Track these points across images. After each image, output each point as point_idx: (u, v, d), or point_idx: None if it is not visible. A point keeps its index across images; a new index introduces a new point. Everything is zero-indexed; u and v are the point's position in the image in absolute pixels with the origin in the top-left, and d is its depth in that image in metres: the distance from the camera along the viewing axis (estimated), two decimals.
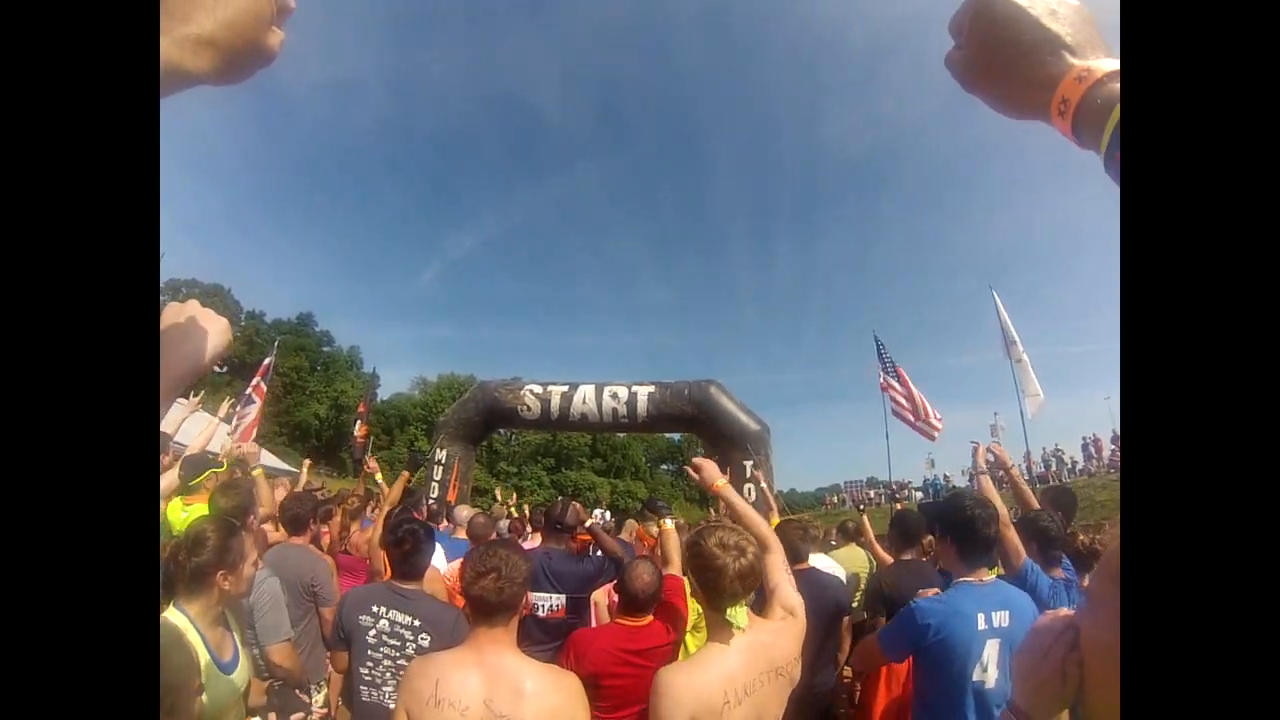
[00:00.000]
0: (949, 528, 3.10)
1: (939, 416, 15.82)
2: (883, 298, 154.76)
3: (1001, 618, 2.84)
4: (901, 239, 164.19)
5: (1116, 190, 0.81)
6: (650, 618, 3.39)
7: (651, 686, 2.16)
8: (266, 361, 17.97)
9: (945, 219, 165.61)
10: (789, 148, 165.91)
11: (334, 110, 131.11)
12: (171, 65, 0.78)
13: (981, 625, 2.80)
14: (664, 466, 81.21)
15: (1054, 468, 31.72)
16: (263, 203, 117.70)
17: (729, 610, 2.21)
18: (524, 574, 2.35)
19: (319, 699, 4.29)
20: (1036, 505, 4.56)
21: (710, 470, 2.92)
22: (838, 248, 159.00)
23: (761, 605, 2.51)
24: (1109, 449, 30.16)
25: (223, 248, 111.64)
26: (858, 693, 4.50)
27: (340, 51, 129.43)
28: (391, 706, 3.12)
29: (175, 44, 0.78)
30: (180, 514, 4.67)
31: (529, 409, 10.77)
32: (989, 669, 2.79)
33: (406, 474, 4.96)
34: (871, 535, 6.23)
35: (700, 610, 4.14)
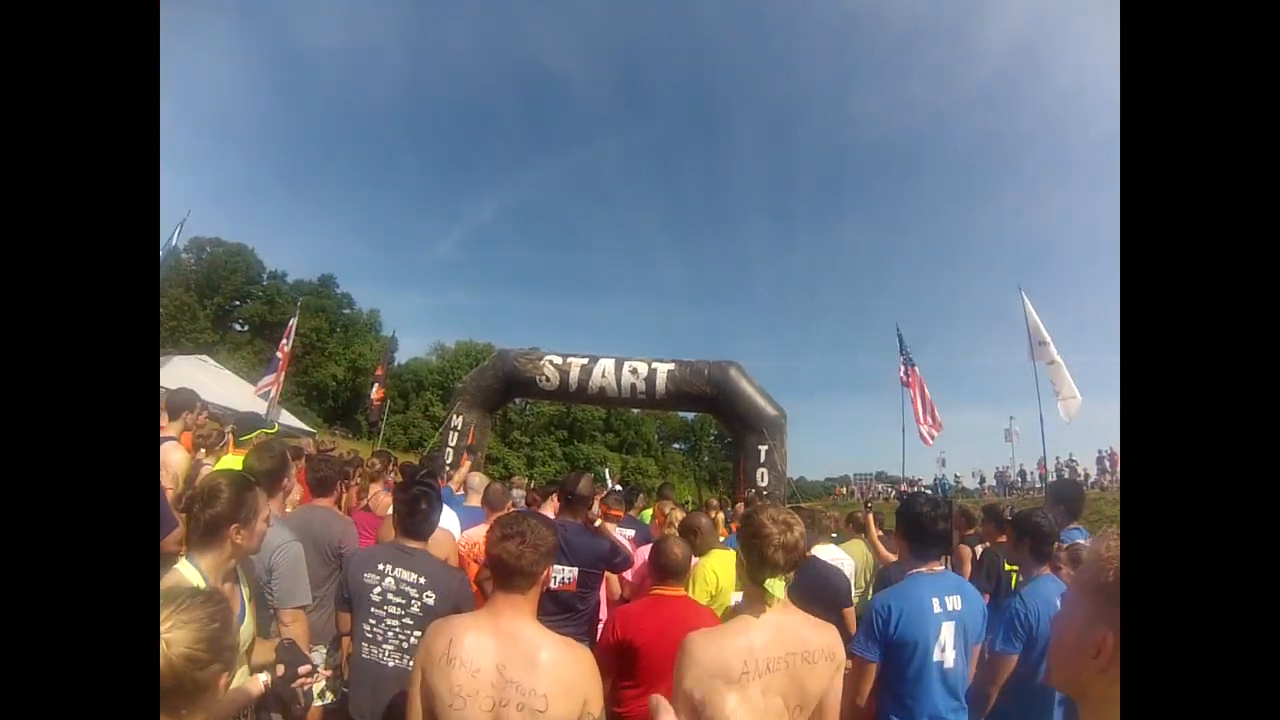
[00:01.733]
0: (901, 524, 3.36)
1: (940, 423, 15.83)
2: (903, 289, 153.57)
3: (954, 601, 3.08)
4: (926, 229, 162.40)
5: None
6: (683, 589, 3.52)
7: (679, 648, 2.26)
8: (291, 323, 18.04)
9: (972, 212, 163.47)
10: (815, 127, 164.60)
11: (354, 77, 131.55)
12: None
13: (936, 609, 3.03)
14: (675, 445, 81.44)
15: (1066, 477, 31.48)
16: (285, 167, 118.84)
17: (768, 581, 2.27)
18: (549, 545, 2.34)
19: (330, 660, 4.32)
20: None
21: None
22: (860, 234, 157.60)
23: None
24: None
25: (246, 209, 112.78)
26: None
27: (360, 17, 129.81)
28: (390, 665, 3.20)
29: None
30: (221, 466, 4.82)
31: (548, 379, 10.78)
32: (947, 649, 3.02)
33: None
34: (874, 533, 6.22)
35: (714, 591, 4.18)
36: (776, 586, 2.29)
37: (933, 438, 15.88)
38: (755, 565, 2.32)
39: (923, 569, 3.21)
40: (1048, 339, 15.62)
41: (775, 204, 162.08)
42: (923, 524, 3.22)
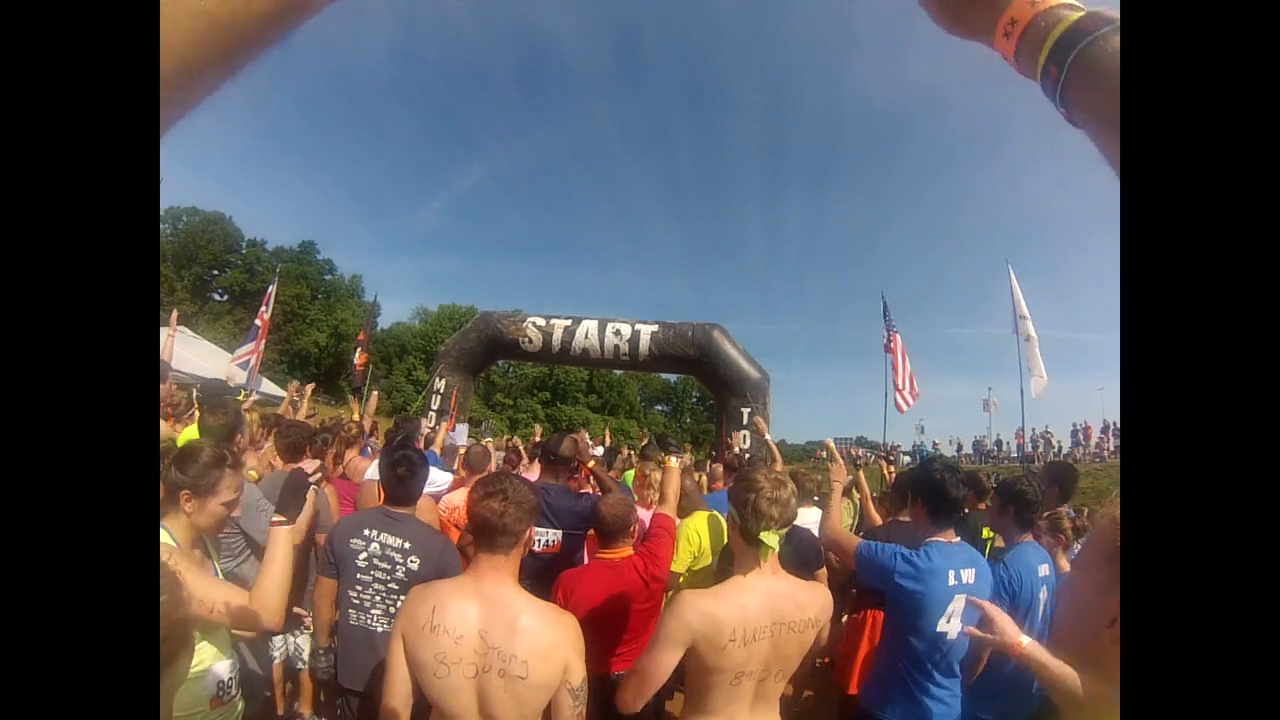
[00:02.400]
0: (920, 490, 3.34)
1: (916, 393, 16.12)
2: (891, 260, 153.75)
3: (969, 575, 3.07)
4: (917, 203, 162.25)
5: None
6: (629, 549, 3.45)
7: (668, 605, 2.30)
8: (269, 290, 17.88)
9: (964, 188, 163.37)
10: (810, 97, 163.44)
11: (339, 34, 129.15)
12: None
13: (951, 581, 3.02)
14: (659, 407, 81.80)
15: (1040, 449, 32.22)
16: (263, 130, 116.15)
17: (763, 533, 2.28)
18: (531, 503, 2.32)
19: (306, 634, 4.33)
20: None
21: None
22: (851, 204, 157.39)
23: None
24: (1097, 437, 30.94)
25: (222, 175, 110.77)
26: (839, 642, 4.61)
27: None
28: (379, 630, 3.20)
29: None
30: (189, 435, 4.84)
31: (530, 341, 10.78)
32: (952, 621, 3.01)
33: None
34: (867, 492, 6.22)
35: (696, 552, 4.17)
36: (771, 538, 2.29)
37: (907, 405, 16.21)
38: (750, 518, 2.31)
39: (939, 538, 3.19)
40: (1026, 315, 15.82)
41: (767, 171, 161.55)
42: (941, 491, 3.19)
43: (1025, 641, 2.16)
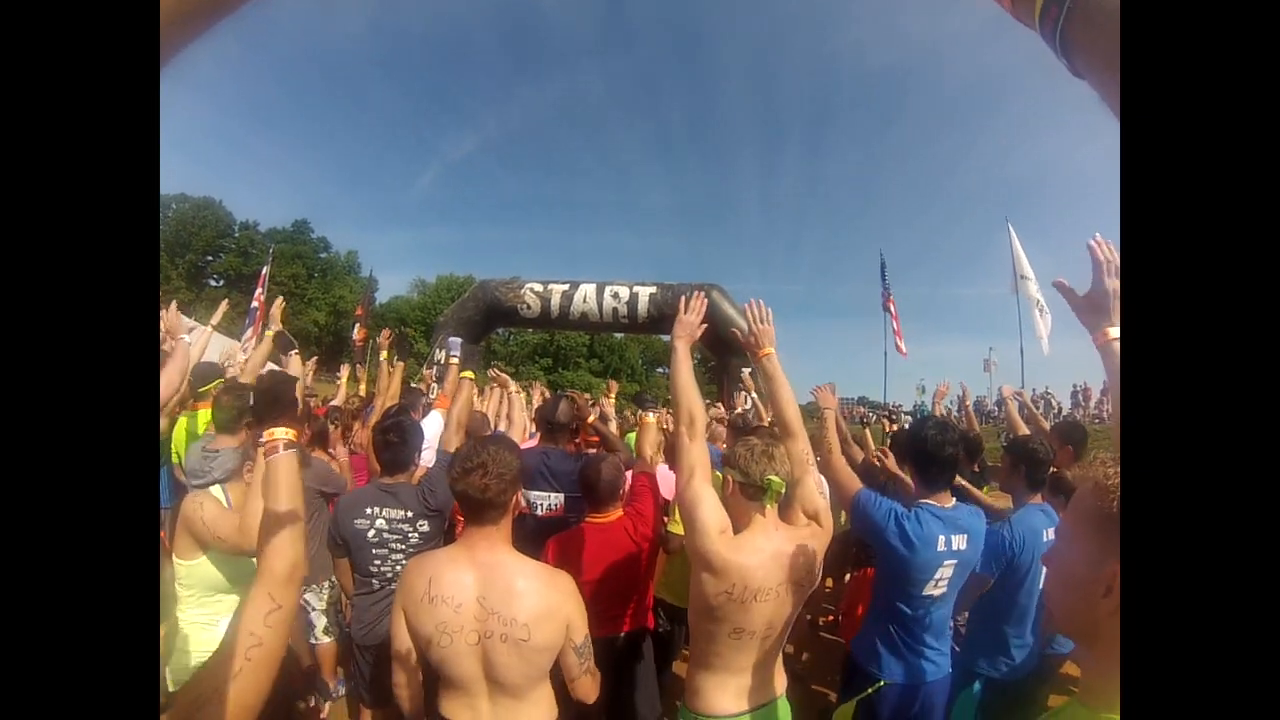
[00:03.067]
0: (910, 451, 3.33)
1: (904, 350, 16.40)
2: (889, 218, 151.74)
3: (960, 541, 3.00)
4: (914, 161, 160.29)
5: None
6: (619, 512, 3.42)
7: (713, 563, 2.25)
8: (263, 272, 17.82)
9: (962, 145, 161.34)
10: (802, 55, 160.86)
11: (321, 8, 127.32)
12: None
13: (941, 547, 2.96)
14: (659, 370, 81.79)
15: (1041, 409, 32.02)
16: (249, 110, 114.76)
17: (768, 476, 2.28)
18: (513, 470, 2.28)
19: (327, 597, 4.42)
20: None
21: (765, 336, 2.90)
22: (847, 163, 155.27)
23: (786, 505, 2.53)
24: (1096, 398, 30.83)
25: (211, 159, 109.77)
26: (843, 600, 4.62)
27: None
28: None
29: None
30: (186, 422, 4.88)
31: (529, 307, 10.78)
32: (940, 583, 2.99)
33: (401, 364, 4.44)
34: (872, 448, 6.22)
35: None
36: (776, 481, 2.28)
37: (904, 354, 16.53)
38: (753, 465, 2.30)
39: (931, 501, 3.08)
40: (1030, 274, 15.71)
41: (761, 131, 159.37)
42: (930, 450, 3.08)
43: (1113, 333, 1.84)
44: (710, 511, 2.31)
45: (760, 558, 2.27)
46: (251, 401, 2.32)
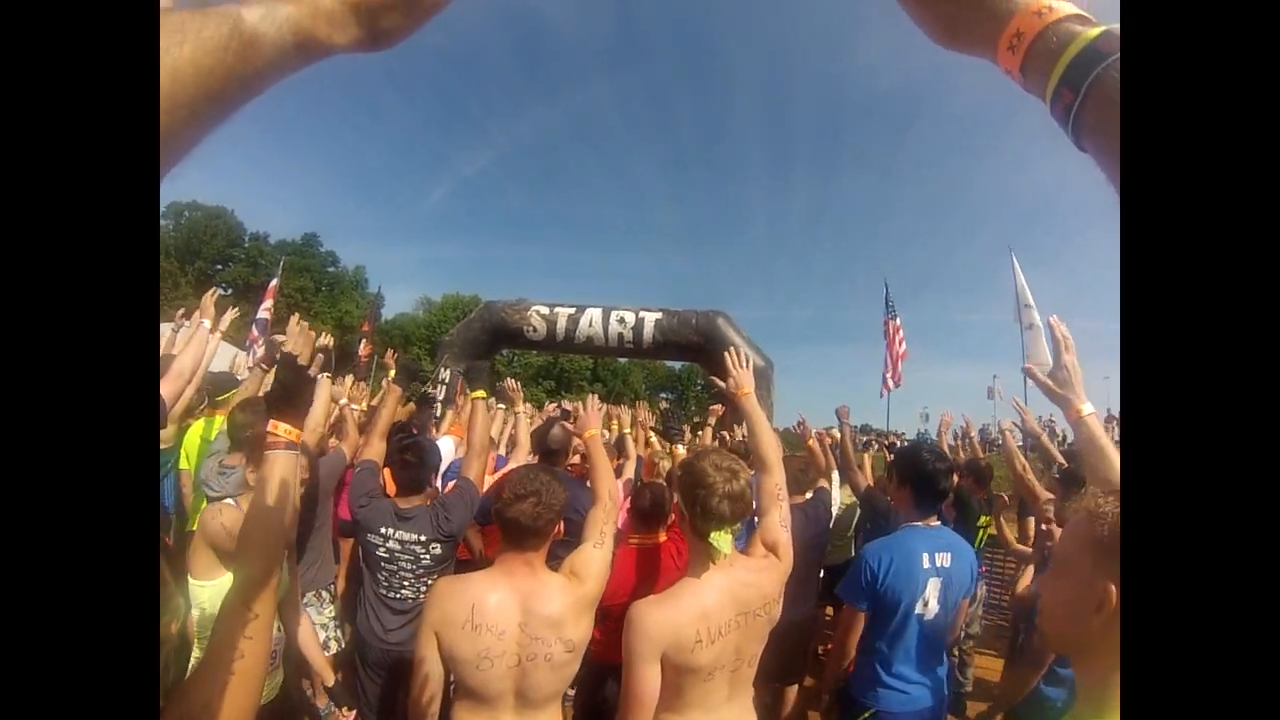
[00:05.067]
0: (907, 476, 3.28)
1: (899, 378, 16.46)
2: (896, 243, 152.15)
3: (944, 558, 3.09)
4: (922, 185, 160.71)
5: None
6: (663, 535, 3.51)
7: (625, 619, 2.17)
8: (273, 284, 17.90)
9: (969, 170, 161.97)
10: (814, 76, 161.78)
11: None
12: (305, 35, 0.74)
13: (925, 564, 3.04)
14: (663, 394, 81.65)
15: (1044, 437, 32.15)
16: (263, 120, 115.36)
17: (713, 534, 2.18)
18: (561, 502, 2.37)
19: (328, 612, 4.31)
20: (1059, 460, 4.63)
21: (745, 379, 2.92)
22: (855, 186, 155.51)
23: (748, 537, 2.55)
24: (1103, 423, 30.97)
25: (224, 168, 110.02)
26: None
27: None
28: (411, 597, 3.36)
29: (310, 13, 0.74)
30: (201, 428, 4.85)
31: (534, 329, 10.78)
32: (930, 604, 3.04)
33: (398, 390, 4.22)
34: (869, 475, 6.23)
35: None
36: (722, 541, 2.18)
37: (888, 390, 16.60)
38: (699, 517, 2.21)
39: (918, 523, 3.19)
40: (1032, 303, 15.88)
41: (772, 153, 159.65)
42: (927, 477, 3.17)
43: (1086, 409, 2.09)
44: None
45: (705, 596, 2.19)
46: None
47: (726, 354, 3.07)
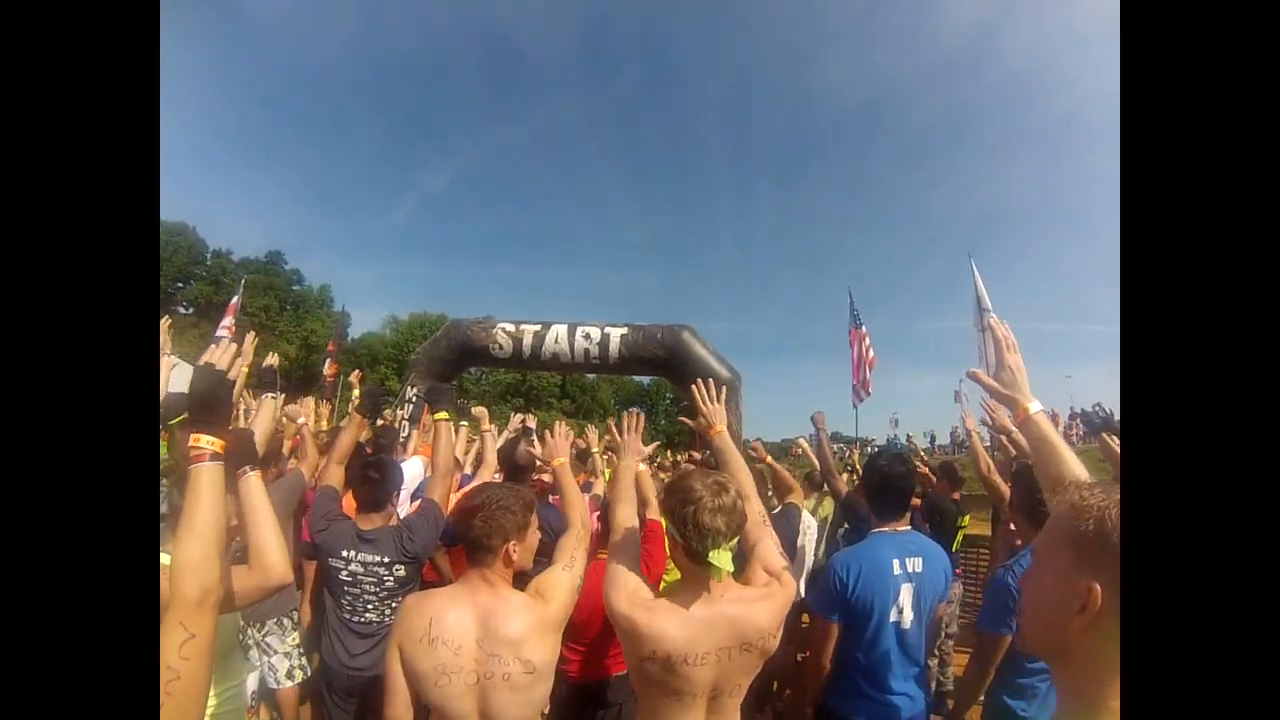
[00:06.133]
0: (870, 482, 3.29)
1: (869, 387, 16.69)
2: (861, 254, 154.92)
3: (915, 563, 3.05)
4: (884, 197, 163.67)
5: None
6: None
7: (623, 627, 2.18)
8: (234, 301, 17.68)
9: (930, 183, 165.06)
10: (778, 92, 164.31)
11: (301, 36, 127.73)
12: None
13: (896, 570, 3.00)
14: (632, 409, 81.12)
15: (1016, 433, 32.69)
16: (227, 135, 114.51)
17: (711, 553, 2.05)
18: (513, 511, 2.35)
19: (291, 640, 4.23)
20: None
21: (717, 415, 2.94)
22: (820, 200, 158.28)
23: (742, 568, 2.38)
24: (1064, 423, 31.58)
25: (186, 183, 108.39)
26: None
27: None
28: (375, 620, 3.32)
29: None
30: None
31: (501, 347, 10.72)
32: (905, 611, 2.99)
33: (359, 417, 4.12)
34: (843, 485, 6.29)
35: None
36: (722, 558, 2.07)
37: (859, 400, 16.84)
38: (692, 536, 2.08)
39: (885, 528, 3.16)
40: (990, 308, 16.25)
41: (737, 168, 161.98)
42: (886, 481, 3.17)
43: (1034, 407, 2.07)
44: (616, 574, 2.29)
45: (684, 621, 2.12)
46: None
47: (695, 388, 3.03)
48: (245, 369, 2.14)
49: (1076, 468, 1.89)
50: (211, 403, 1.74)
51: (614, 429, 3.16)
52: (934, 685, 5.15)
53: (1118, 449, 4.91)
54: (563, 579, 2.45)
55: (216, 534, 1.59)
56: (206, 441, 1.68)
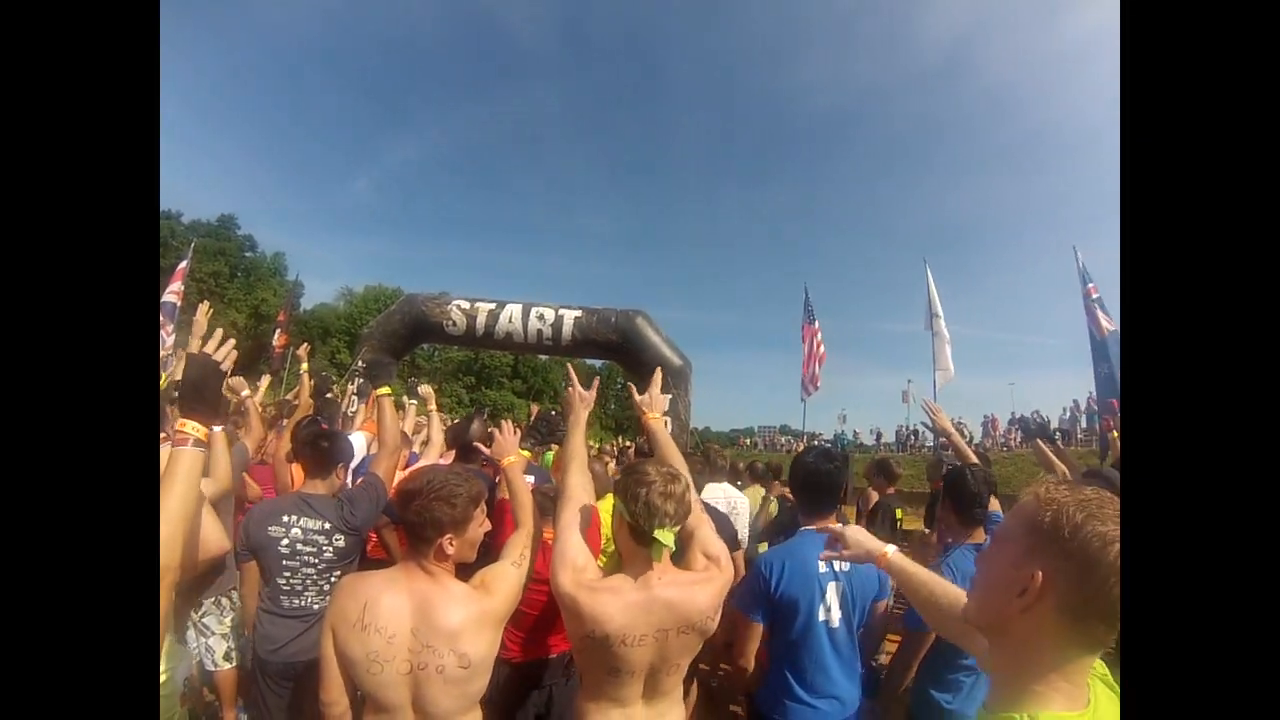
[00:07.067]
0: (797, 479, 3.23)
1: (818, 382, 17.02)
2: (821, 254, 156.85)
3: (843, 562, 2.96)
4: (849, 200, 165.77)
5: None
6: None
7: (567, 605, 2.20)
8: (181, 266, 17.20)
9: (895, 188, 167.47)
10: (754, 92, 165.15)
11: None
12: None
13: (822, 569, 2.94)
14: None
15: (954, 435, 34.38)
16: (180, 89, 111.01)
17: (657, 531, 2.16)
18: (452, 504, 2.28)
19: (229, 621, 4.17)
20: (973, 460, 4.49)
21: (657, 401, 2.97)
22: (785, 198, 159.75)
23: (682, 553, 2.48)
24: (1004, 428, 32.89)
25: None
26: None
27: None
28: (317, 608, 3.24)
29: None
30: None
31: (454, 324, 10.64)
32: (833, 610, 2.94)
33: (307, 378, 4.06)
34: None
35: (606, 536, 3.97)
36: (667, 537, 2.17)
37: (808, 393, 17.22)
38: (643, 514, 2.17)
39: (812, 526, 3.07)
40: (940, 312, 16.67)
41: (706, 162, 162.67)
42: (814, 478, 3.13)
43: (890, 550, 2.12)
44: (565, 550, 2.29)
45: (624, 604, 2.19)
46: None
47: (633, 387, 3.15)
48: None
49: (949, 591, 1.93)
50: (202, 391, 1.81)
51: (570, 374, 3.11)
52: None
53: (1050, 455, 5.05)
54: (510, 574, 2.41)
55: (184, 516, 1.62)
56: (192, 427, 1.72)
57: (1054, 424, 30.87)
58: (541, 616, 3.27)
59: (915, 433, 36.73)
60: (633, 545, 2.27)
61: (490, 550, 2.64)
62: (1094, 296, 14.45)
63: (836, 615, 2.96)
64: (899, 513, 5.85)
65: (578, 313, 10.50)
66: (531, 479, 5.11)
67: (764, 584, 2.95)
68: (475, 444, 4.26)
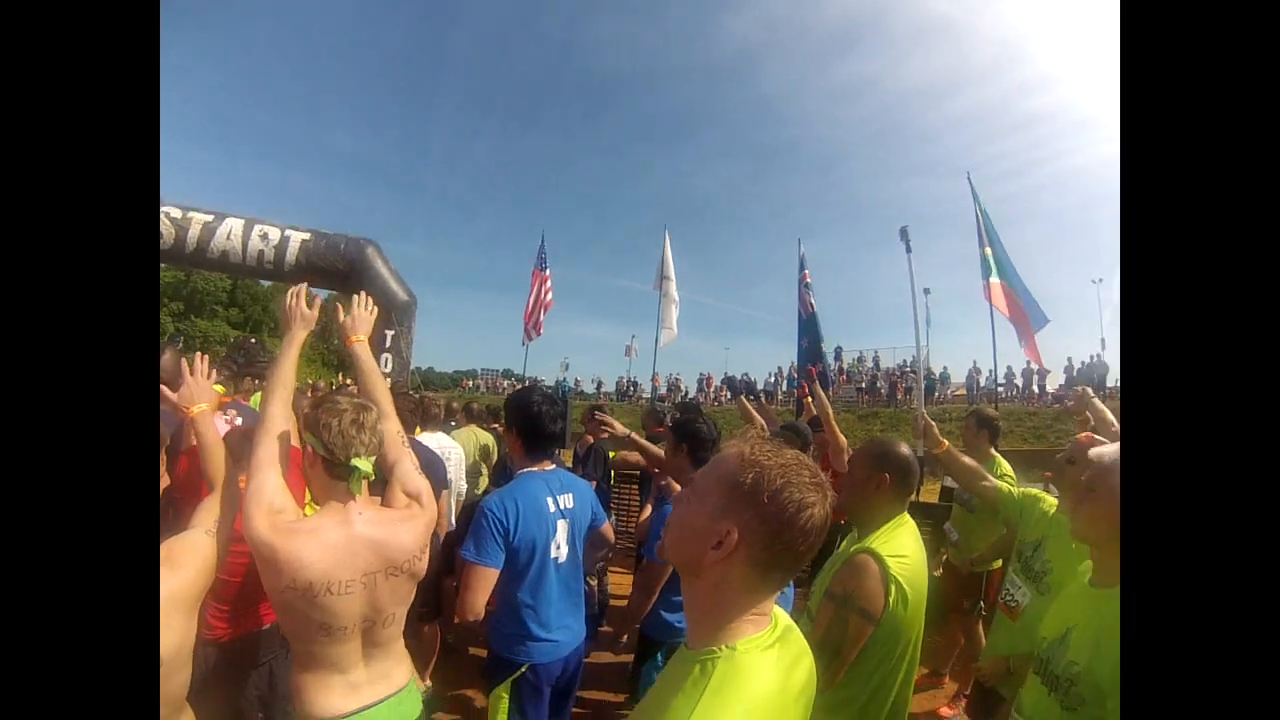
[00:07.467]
0: (515, 421, 3.20)
1: (541, 328, 18.83)
2: (564, 207, 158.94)
3: (566, 500, 3.11)
4: (611, 162, 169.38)
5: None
6: None
7: (262, 554, 1.97)
8: None
9: (650, 155, 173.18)
10: (543, 34, 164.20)
11: None
12: None
13: (551, 509, 3.02)
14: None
15: (670, 391, 37.26)
16: None
17: (355, 460, 2.06)
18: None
19: None
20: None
21: (361, 322, 2.74)
22: (544, 146, 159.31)
23: (385, 487, 2.38)
24: (716, 385, 36.45)
25: None
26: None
27: None
28: None
29: None
30: None
31: (161, 236, 9.57)
32: (562, 547, 3.06)
33: None
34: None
35: None
36: (365, 464, 2.09)
37: (530, 338, 18.07)
38: (337, 444, 2.06)
39: (534, 467, 3.11)
40: (671, 275, 17.88)
41: (474, 96, 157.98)
42: (535, 420, 3.11)
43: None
44: (261, 489, 2.05)
45: (324, 546, 2.02)
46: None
47: (356, 297, 2.79)
48: None
49: None
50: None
51: (298, 289, 2.61)
52: (598, 599, 5.31)
53: (752, 409, 5.65)
54: (202, 545, 2.04)
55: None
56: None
57: (760, 385, 33.94)
58: (247, 583, 2.79)
59: (634, 384, 38.88)
60: (328, 480, 2.12)
61: (183, 515, 2.26)
62: (806, 282, 15.84)
63: (564, 552, 3.06)
64: (613, 455, 6.27)
65: (306, 235, 9.81)
66: (241, 421, 4.35)
67: (499, 529, 2.87)
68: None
